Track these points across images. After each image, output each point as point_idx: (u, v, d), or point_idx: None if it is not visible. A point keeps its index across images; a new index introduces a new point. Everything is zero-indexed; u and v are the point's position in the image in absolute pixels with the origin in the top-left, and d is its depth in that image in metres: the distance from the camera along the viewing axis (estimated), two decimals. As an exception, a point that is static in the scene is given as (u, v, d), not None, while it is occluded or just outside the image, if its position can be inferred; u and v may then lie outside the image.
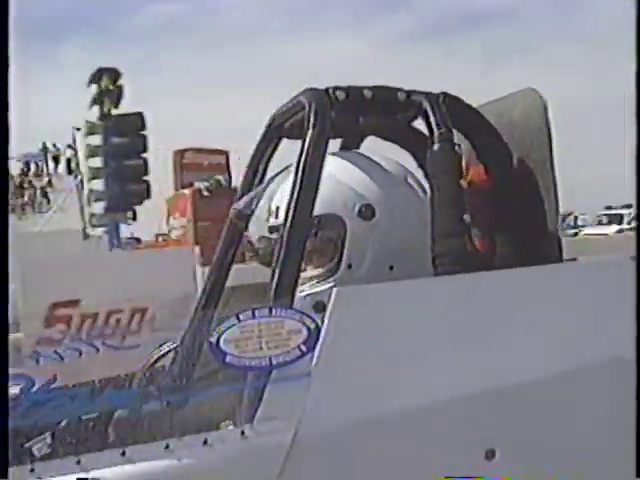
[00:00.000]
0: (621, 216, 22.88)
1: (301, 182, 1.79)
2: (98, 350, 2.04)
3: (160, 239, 18.05)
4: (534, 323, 1.80)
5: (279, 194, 2.00)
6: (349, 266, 1.92)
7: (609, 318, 1.84)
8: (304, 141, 1.83)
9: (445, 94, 1.98)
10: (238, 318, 1.65)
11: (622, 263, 1.88)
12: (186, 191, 15.02)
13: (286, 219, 1.78)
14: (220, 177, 15.21)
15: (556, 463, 1.77)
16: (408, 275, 1.90)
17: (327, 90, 1.93)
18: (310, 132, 1.83)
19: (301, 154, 1.82)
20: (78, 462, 1.58)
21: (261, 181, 2.16)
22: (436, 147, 1.89)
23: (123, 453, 1.60)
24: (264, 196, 2.06)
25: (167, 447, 1.61)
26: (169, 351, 2.18)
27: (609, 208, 25.31)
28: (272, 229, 2.00)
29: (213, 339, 1.64)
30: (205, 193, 15.02)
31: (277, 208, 1.98)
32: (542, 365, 1.78)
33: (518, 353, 1.76)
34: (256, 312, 1.65)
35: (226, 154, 15.97)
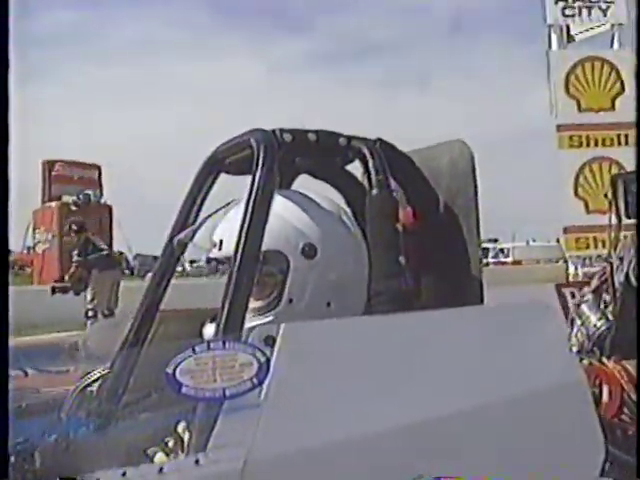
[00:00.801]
0: (487, 250, 23.82)
1: (250, 218, 1.88)
2: (26, 374, 2.06)
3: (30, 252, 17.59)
4: (459, 359, 1.94)
5: (221, 227, 2.08)
6: (290, 300, 2.01)
7: (525, 355, 2.00)
8: (253, 179, 1.92)
9: (380, 140, 2.11)
10: (194, 350, 1.71)
11: (537, 308, 2.06)
12: (53, 204, 14.74)
13: (236, 253, 1.86)
14: (90, 192, 15.02)
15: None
16: (344, 311, 2.02)
17: (274, 131, 2.03)
18: (259, 171, 1.92)
19: (250, 192, 1.91)
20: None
21: (198, 213, 2.23)
22: (375, 192, 2.02)
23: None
24: (203, 227, 2.15)
25: (124, 475, 1.66)
26: (100, 377, 2.21)
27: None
28: (213, 260, 2.09)
29: (169, 370, 1.70)
30: (73, 207, 14.80)
31: (221, 241, 2.05)
32: (464, 398, 1.91)
33: (447, 386, 1.89)
34: (211, 345, 1.73)
35: (98, 168, 15.79)
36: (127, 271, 29.38)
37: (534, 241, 33.47)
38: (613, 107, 10.98)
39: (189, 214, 2.23)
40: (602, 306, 3.60)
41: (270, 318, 1.98)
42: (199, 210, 2.23)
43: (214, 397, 1.71)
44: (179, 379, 1.70)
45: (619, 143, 10.61)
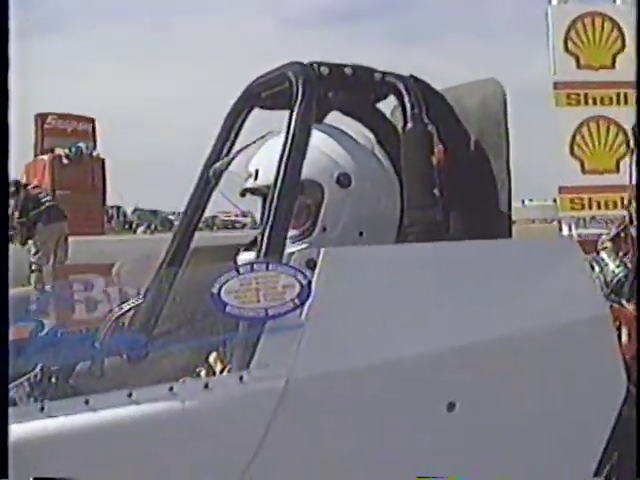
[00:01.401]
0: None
1: (290, 149, 1.93)
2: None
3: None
4: (489, 291, 2.00)
5: (258, 158, 2.13)
6: (324, 229, 2.07)
7: (551, 289, 2.07)
8: (292, 111, 1.97)
9: (414, 77, 2.15)
10: (238, 271, 1.77)
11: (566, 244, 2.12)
12: (45, 157, 14.67)
13: (276, 181, 1.91)
14: (82, 144, 14.95)
15: (509, 419, 1.98)
16: (376, 241, 2.08)
17: (311, 64, 2.07)
18: (298, 103, 1.97)
19: (289, 123, 1.96)
20: (87, 402, 1.67)
21: (232, 147, 2.27)
22: (410, 126, 2.07)
23: (129, 394, 1.69)
24: (237, 158, 2.19)
25: (171, 389, 1.72)
26: (132, 307, 2.26)
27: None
28: (249, 190, 2.14)
29: (214, 289, 1.75)
30: (65, 160, 14.75)
31: (257, 171, 2.10)
32: (494, 327, 1.98)
33: (477, 315, 1.96)
34: (254, 266, 1.78)
35: (92, 121, 15.68)
36: (126, 225, 29.42)
37: (530, 201, 33.56)
38: (613, 65, 10.64)
39: (223, 147, 2.27)
40: (620, 254, 3.67)
41: (304, 246, 2.03)
42: (233, 143, 2.28)
43: (257, 317, 1.77)
44: (224, 298, 1.75)
45: (618, 102, 10.31)
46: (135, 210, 34.97)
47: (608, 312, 2.16)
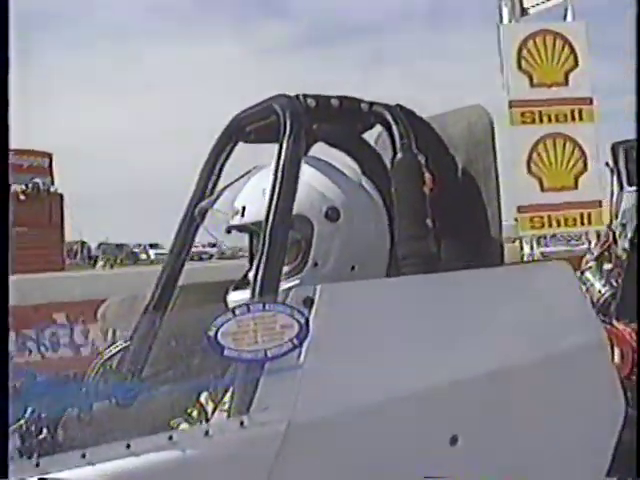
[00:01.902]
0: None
1: (280, 184, 1.89)
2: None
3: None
4: (488, 321, 1.97)
5: (244, 195, 2.08)
6: (315, 264, 2.03)
7: (548, 315, 2.05)
8: (281, 146, 1.93)
9: (400, 106, 2.13)
10: (234, 313, 1.72)
11: (559, 266, 2.10)
12: (0, 194, 14.45)
13: (267, 219, 1.87)
14: (40, 180, 14.78)
15: (511, 449, 1.95)
16: (367, 275, 2.04)
17: (297, 97, 2.03)
18: (287, 137, 1.93)
19: (279, 158, 1.92)
20: (83, 455, 1.60)
21: (216, 182, 2.23)
22: (399, 156, 2.04)
23: (128, 446, 1.63)
24: (222, 195, 2.15)
25: (170, 438, 1.66)
26: (119, 350, 2.19)
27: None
28: (236, 227, 2.09)
29: (211, 333, 1.70)
30: (22, 197, 14.56)
31: (243, 208, 2.06)
32: (493, 358, 1.95)
33: (477, 347, 1.93)
34: (251, 307, 1.73)
35: (49, 156, 15.49)
36: (90, 260, 29.09)
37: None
38: (567, 82, 10.68)
39: (207, 183, 2.23)
40: (605, 273, 3.68)
41: (296, 282, 1.99)
42: (217, 179, 2.23)
43: (256, 358, 1.72)
44: (221, 341, 1.70)
45: (573, 118, 10.25)
46: (100, 245, 34.73)
47: (604, 335, 2.15)
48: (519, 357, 1.96)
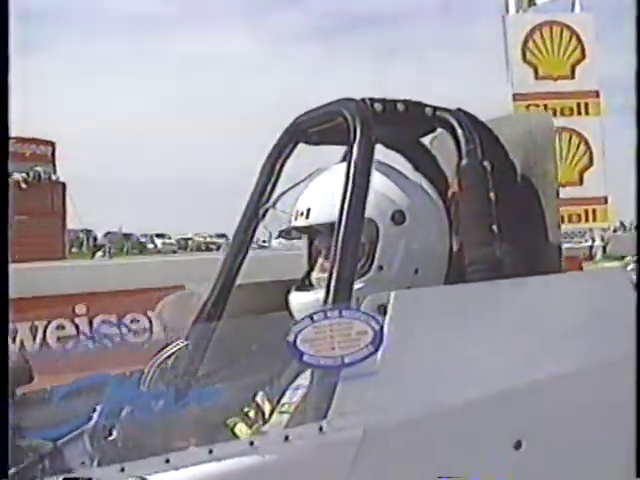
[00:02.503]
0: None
1: (352, 189, 1.90)
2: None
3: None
4: (555, 326, 1.99)
5: (308, 196, 2.09)
6: (380, 268, 2.04)
7: (609, 321, 2.06)
8: (351, 149, 1.94)
9: (462, 110, 2.14)
10: (312, 319, 1.73)
11: (619, 274, 2.12)
12: (2, 182, 14.42)
13: (339, 222, 1.88)
14: (41, 169, 14.76)
15: (575, 453, 1.97)
16: (430, 279, 2.06)
17: (364, 101, 2.04)
18: (357, 142, 1.94)
19: (350, 162, 1.93)
20: (167, 461, 1.62)
21: (275, 183, 2.24)
22: (465, 162, 2.05)
23: (210, 451, 1.65)
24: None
25: (251, 444, 1.67)
26: (177, 350, 2.21)
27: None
28: (298, 228, 2.10)
29: (290, 338, 1.71)
30: (23, 185, 14.55)
31: (308, 210, 2.06)
32: (560, 363, 1.97)
33: (544, 352, 1.95)
34: (328, 313, 1.74)
35: (52, 145, 15.45)
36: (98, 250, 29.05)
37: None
38: (573, 75, 10.24)
39: (267, 183, 2.24)
40: None
41: (360, 285, 1.99)
42: (277, 179, 2.24)
43: (334, 365, 1.73)
44: (300, 347, 1.71)
45: (579, 112, 9.83)
46: (107, 234, 34.67)
47: None
48: (585, 361, 1.98)
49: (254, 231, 2.26)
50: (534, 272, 2.06)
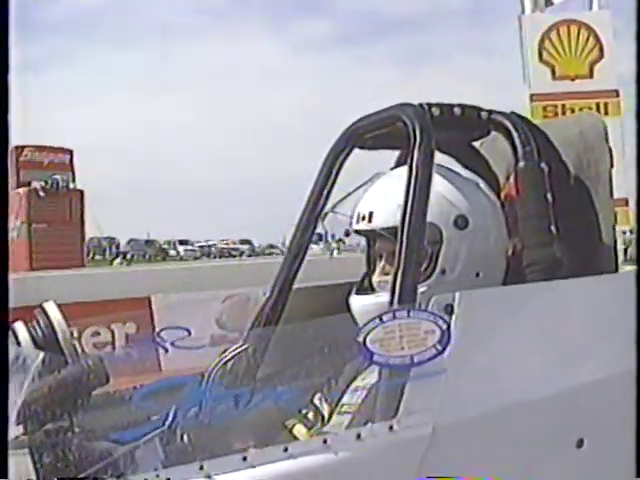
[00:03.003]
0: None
1: (414, 192, 1.93)
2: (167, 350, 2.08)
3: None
4: (605, 327, 2.02)
5: (369, 200, 2.12)
6: (443, 271, 2.06)
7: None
8: (412, 156, 1.97)
9: (516, 114, 2.17)
10: (381, 319, 1.77)
11: None
12: (20, 190, 14.50)
13: (402, 226, 1.91)
14: (59, 177, 14.81)
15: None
16: (491, 281, 2.09)
17: (421, 106, 2.07)
18: (417, 147, 1.97)
19: (411, 167, 1.96)
20: (244, 458, 1.66)
21: (332, 187, 2.27)
22: (522, 164, 2.08)
23: (285, 449, 1.68)
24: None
25: (325, 442, 1.71)
26: (239, 352, 2.24)
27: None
28: (362, 232, 2.14)
29: (360, 339, 1.75)
30: (41, 194, 14.62)
31: (370, 213, 2.09)
32: (619, 362, 2.00)
33: (604, 351, 1.98)
34: (396, 314, 1.78)
35: (70, 152, 15.51)
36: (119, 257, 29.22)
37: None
38: (591, 74, 9.95)
39: (323, 187, 2.27)
40: None
41: (424, 289, 2.02)
42: (333, 184, 2.28)
43: (404, 364, 1.76)
44: (370, 347, 1.75)
45: (598, 112, 9.11)
46: (130, 241, 34.82)
47: None
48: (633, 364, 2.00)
49: (312, 234, 2.29)
50: (591, 272, 2.09)
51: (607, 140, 2.20)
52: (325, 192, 2.27)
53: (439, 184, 2.08)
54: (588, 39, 9.99)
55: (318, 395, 2.21)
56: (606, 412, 1.97)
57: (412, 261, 1.89)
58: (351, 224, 2.17)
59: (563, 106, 10.68)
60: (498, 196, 2.23)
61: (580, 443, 1.94)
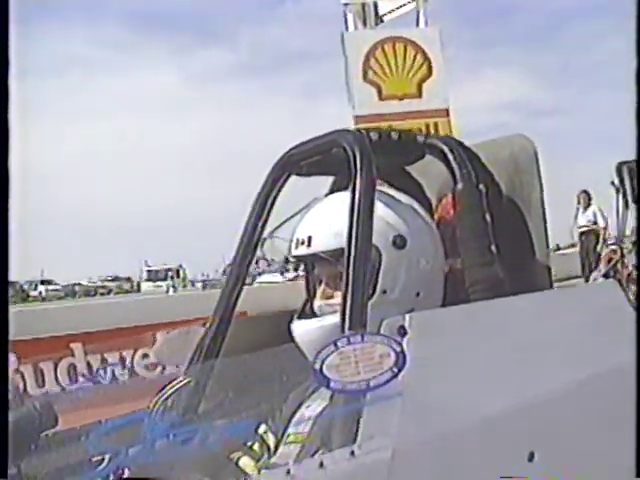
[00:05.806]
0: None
1: (358, 216, 1.94)
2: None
3: None
4: (550, 341, 2.05)
5: (308, 225, 2.11)
6: (384, 292, 2.07)
7: (604, 332, 2.14)
8: (354, 179, 1.97)
9: (450, 137, 2.21)
10: (336, 345, 1.75)
11: (610, 286, 2.21)
12: None
13: (349, 250, 1.91)
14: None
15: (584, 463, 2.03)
16: (431, 301, 2.11)
17: (359, 131, 2.09)
18: (359, 172, 1.98)
19: (353, 192, 1.97)
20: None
21: (268, 215, 2.26)
22: (460, 186, 2.11)
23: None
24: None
25: (288, 472, 1.68)
26: (181, 386, 2.19)
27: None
28: (300, 257, 2.13)
29: (317, 366, 1.72)
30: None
31: (309, 237, 2.09)
32: (561, 378, 2.04)
33: (550, 365, 2.01)
34: (351, 339, 1.77)
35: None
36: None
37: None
38: (420, 93, 9.57)
39: (260, 216, 2.25)
40: None
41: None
42: (269, 212, 2.26)
43: (360, 389, 1.75)
44: (326, 374, 1.73)
45: (428, 133, 8.44)
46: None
47: None
48: (588, 373, 2.04)
49: (249, 263, 2.27)
50: (529, 289, 2.13)
51: (537, 161, 2.25)
52: (262, 220, 2.25)
53: (377, 206, 2.09)
54: (415, 57, 9.63)
55: (263, 426, 2.18)
56: (555, 424, 2.00)
57: (360, 284, 1.89)
58: (290, 250, 2.16)
59: (390, 127, 9.89)
60: (432, 217, 2.25)
61: (531, 457, 1.95)
